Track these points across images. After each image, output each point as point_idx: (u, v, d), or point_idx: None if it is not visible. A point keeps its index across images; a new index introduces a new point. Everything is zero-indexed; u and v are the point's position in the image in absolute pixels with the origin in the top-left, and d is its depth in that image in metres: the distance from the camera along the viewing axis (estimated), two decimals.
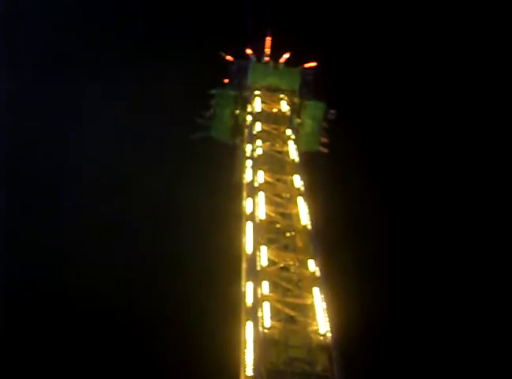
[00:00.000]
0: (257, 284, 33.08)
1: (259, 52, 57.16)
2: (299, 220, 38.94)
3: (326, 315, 31.77)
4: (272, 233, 37.80)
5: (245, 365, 30.18)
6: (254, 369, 28.66)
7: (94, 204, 66.49)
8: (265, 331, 30.60)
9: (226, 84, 56.22)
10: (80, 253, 63.35)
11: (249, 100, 53.35)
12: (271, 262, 34.98)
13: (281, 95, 53.63)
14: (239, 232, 39.95)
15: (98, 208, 65.49)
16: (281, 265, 35.36)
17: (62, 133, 70.70)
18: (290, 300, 33.16)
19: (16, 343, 58.85)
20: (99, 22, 77.79)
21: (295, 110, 53.49)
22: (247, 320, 32.40)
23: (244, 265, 36.80)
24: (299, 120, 53.61)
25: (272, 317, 31.63)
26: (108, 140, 68.19)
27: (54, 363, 57.61)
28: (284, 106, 52.47)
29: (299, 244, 37.24)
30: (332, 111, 54.10)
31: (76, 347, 58.59)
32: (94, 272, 61.79)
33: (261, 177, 41.79)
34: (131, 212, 65.20)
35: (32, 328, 60.36)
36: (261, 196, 40.08)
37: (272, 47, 57.54)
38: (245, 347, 31.19)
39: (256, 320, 31.09)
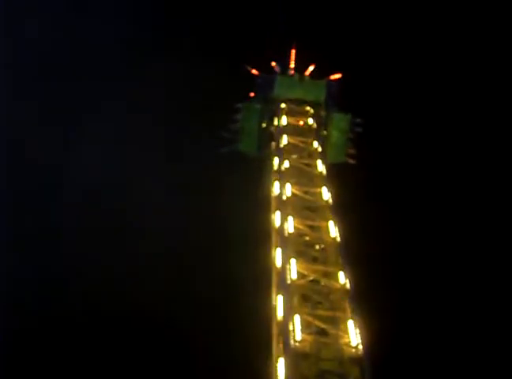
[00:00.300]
0: (287, 297, 33.23)
1: (284, 65, 57.36)
2: (327, 232, 39.07)
3: (357, 327, 31.84)
4: (302, 246, 37.89)
5: (277, 378, 30.38)
6: None
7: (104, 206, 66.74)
8: (297, 344, 30.71)
9: (252, 97, 56.46)
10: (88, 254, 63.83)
11: (275, 113, 53.56)
12: (300, 275, 35.07)
13: (307, 108, 53.79)
14: (268, 245, 40.13)
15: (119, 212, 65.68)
16: (311, 278, 35.45)
17: (63, 132, 71.08)
18: (321, 313, 33.21)
19: (17, 343, 58.94)
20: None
21: (322, 122, 53.60)
22: (279, 333, 32.57)
23: (274, 279, 36.94)
24: (325, 132, 53.70)
25: (303, 330, 31.71)
26: (125, 147, 68.88)
27: (56, 363, 57.73)
28: (310, 119, 52.63)
29: (329, 256, 37.32)
30: (358, 120, 54.11)
31: (79, 346, 58.71)
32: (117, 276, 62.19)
33: (288, 190, 41.95)
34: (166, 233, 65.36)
35: (33, 328, 60.49)
36: (289, 209, 40.28)
37: (297, 59, 57.76)
38: (277, 361, 31.37)
39: (287, 333, 31.21)
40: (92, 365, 57.17)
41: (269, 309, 34.91)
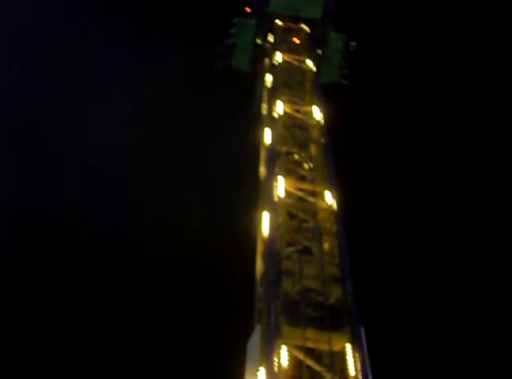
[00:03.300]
0: (273, 214, 33.17)
1: None
2: (317, 152, 38.90)
3: (341, 249, 31.90)
4: (290, 164, 37.66)
5: (260, 295, 30.66)
6: (269, 298, 28.95)
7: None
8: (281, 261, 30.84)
9: (247, 13, 55.53)
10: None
11: (270, 30, 52.74)
12: (288, 193, 34.94)
13: (303, 25, 52.95)
14: (256, 163, 39.95)
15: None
16: (298, 196, 35.32)
17: None
18: (306, 231, 33.23)
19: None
20: None
21: (317, 40, 52.85)
22: (263, 250, 32.66)
23: (261, 196, 36.86)
24: (319, 51, 53.01)
25: (287, 248, 31.81)
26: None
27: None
28: (306, 37, 51.85)
29: (317, 176, 37.11)
30: (352, 43, 53.55)
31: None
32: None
33: (280, 107, 41.47)
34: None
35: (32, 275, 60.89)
36: (279, 126, 39.93)
37: None
38: (262, 279, 31.61)
39: (273, 250, 31.24)
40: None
41: (255, 227, 34.96)
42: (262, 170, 38.81)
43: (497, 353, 55.41)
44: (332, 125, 41.60)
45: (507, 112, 70.76)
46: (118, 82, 68.31)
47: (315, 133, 40.37)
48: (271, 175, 35.73)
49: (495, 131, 70.68)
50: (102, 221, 62.11)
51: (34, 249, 62.68)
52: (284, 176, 35.61)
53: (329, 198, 34.74)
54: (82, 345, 55.64)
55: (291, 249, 31.75)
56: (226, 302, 48.51)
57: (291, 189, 35.19)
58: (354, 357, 26.73)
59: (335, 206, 34.34)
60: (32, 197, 65.40)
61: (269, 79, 46.69)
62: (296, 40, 51.27)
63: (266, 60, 50.70)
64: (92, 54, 71.82)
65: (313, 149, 39.15)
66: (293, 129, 40.34)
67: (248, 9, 55.56)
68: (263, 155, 39.60)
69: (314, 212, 34.23)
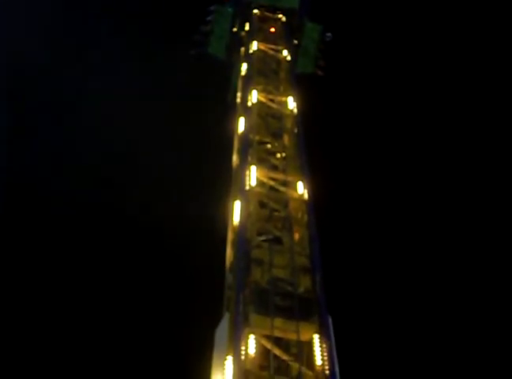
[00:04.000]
0: (244, 203, 33.14)
1: None
2: (290, 141, 38.91)
3: (311, 237, 31.95)
4: (263, 153, 37.65)
5: (229, 283, 30.69)
6: (237, 287, 28.95)
7: None
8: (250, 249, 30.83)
9: (225, 0, 55.40)
10: None
11: (247, 18, 52.65)
12: (260, 182, 34.93)
13: (279, 15, 52.93)
14: (229, 152, 39.92)
15: None
16: (270, 185, 35.31)
17: None
18: (276, 221, 33.26)
19: None
20: None
21: (293, 31, 52.88)
22: (233, 238, 32.64)
23: (233, 184, 36.84)
24: (296, 41, 53.08)
25: (258, 237, 31.81)
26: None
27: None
28: (282, 27, 51.84)
29: (289, 166, 37.12)
30: (328, 34, 53.77)
31: None
32: None
33: (254, 96, 41.43)
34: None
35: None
36: (254, 115, 39.89)
37: None
38: (230, 267, 31.62)
39: (243, 239, 31.21)
40: None
41: (226, 215, 34.94)
42: (235, 158, 38.79)
43: (472, 340, 55.96)
44: (306, 115, 41.67)
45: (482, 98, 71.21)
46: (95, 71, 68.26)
47: (289, 123, 40.38)
48: (243, 164, 35.68)
49: (473, 118, 71.12)
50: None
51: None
52: (256, 165, 35.56)
53: (301, 188, 34.77)
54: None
55: (262, 238, 31.75)
56: (195, 289, 48.55)
57: (263, 179, 35.18)
58: (321, 347, 26.79)
59: (306, 196, 34.37)
60: None
61: (244, 67, 46.65)
62: (272, 30, 51.27)
63: (242, 49, 50.65)
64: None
65: (286, 139, 39.16)
66: (267, 118, 40.33)
67: None
68: (236, 143, 39.56)
69: (285, 201, 34.23)
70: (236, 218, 32.97)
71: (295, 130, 39.77)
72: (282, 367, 27.06)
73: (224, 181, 37.94)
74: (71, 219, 60.69)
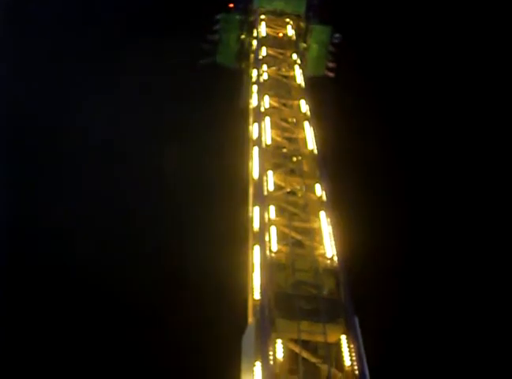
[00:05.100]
0: (263, 209, 33.11)
1: None
2: (305, 145, 38.85)
3: (333, 239, 31.85)
4: (279, 158, 37.65)
5: (253, 288, 30.47)
6: (262, 293, 28.85)
7: None
8: (273, 255, 30.73)
9: (231, 8, 55.50)
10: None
11: (254, 25, 52.74)
12: (277, 187, 34.93)
13: (287, 20, 53.00)
14: (245, 157, 39.91)
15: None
16: (288, 190, 35.32)
17: None
18: (297, 224, 33.19)
19: None
20: None
21: (301, 34, 52.95)
22: (254, 244, 32.56)
23: (251, 190, 36.84)
24: (304, 44, 53.13)
25: (279, 241, 31.74)
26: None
27: None
28: (290, 31, 51.91)
29: (306, 168, 37.15)
30: (337, 35, 53.72)
31: None
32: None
33: (267, 102, 41.51)
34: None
35: None
36: (267, 121, 39.91)
37: None
38: (253, 271, 31.45)
39: (263, 244, 31.18)
40: None
41: (246, 221, 34.93)
42: (250, 165, 38.79)
43: (494, 349, 55.59)
44: (319, 117, 41.66)
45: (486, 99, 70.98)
46: (102, 82, 68.28)
47: (302, 126, 40.37)
48: (260, 170, 35.70)
49: (476, 119, 70.87)
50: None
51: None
52: (272, 170, 35.58)
53: (319, 190, 34.74)
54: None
55: (283, 242, 31.70)
56: (220, 298, 48.46)
57: (281, 183, 35.17)
58: (349, 348, 26.67)
59: (324, 198, 34.33)
60: None
61: (254, 74, 46.70)
62: (281, 34, 51.35)
63: (252, 55, 50.74)
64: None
65: (301, 143, 39.13)
66: (280, 123, 40.35)
67: (231, 5, 55.58)
68: (251, 150, 39.56)
69: (304, 205, 34.20)
70: (256, 224, 32.94)
71: (310, 133, 39.74)
72: (311, 370, 26.97)
73: (242, 188, 37.92)
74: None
